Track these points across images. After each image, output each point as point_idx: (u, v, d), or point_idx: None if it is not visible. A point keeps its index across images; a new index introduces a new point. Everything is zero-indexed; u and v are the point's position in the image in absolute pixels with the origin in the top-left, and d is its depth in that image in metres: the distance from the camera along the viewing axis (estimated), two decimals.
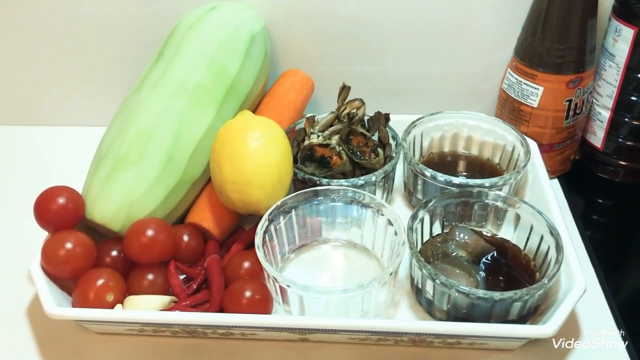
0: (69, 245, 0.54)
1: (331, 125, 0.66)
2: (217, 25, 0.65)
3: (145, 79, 0.63)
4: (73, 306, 0.53)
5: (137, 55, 0.74)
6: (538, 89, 0.66)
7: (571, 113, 0.67)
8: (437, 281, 0.51)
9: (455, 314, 0.52)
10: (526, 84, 0.67)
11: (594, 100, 0.69)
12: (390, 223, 0.57)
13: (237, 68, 0.64)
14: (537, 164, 0.65)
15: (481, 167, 0.69)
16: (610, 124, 0.68)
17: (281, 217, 0.58)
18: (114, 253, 0.57)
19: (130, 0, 0.73)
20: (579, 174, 0.73)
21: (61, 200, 0.56)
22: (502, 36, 0.72)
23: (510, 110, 0.69)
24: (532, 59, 0.65)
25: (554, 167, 0.70)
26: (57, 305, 0.51)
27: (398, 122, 0.68)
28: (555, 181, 0.71)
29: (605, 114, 0.68)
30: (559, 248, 0.53)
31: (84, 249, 0.55)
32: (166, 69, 0.62)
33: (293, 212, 0.59)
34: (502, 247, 0.58)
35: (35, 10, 0.74)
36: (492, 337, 0.50)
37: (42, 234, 0.57)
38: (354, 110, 0.66)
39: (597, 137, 0.70)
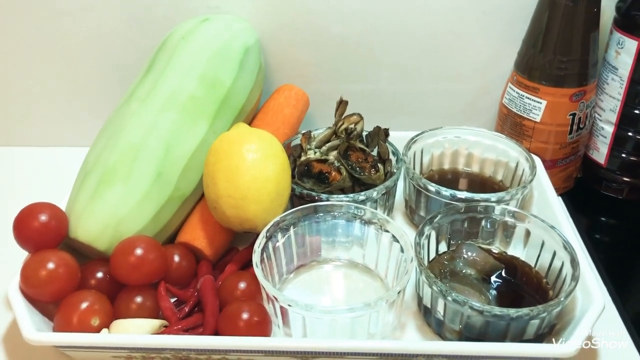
0: (50, 266, 0.50)
1: (328, 141, 0.63)
2: (210, 36, 0.62)
3: (134, 91, 0.60)
4: (54, 331, 0.49)
5: (122, 75, 0.71)
6: (541, 103, 0.64)
7: (575, 127, 0.65)
8: (449, 298, 0.48)
9: (468, 334, 0.49)
10: (528, 98, 0.65)
11: (597, 115, 0.67)
12: (395, 239, 0.54)
13: (232, 79, 0.61)
14: (542, 180, 0.63)
15: (482, 185, 0.66)
16: (614, 139, 0.66)
17: (279, 235, 0.55)
18: (100, 274, 0.53)
19: (115, 19, 0.70)
20: (582, 192, 0.71)
21: (43, 218, 0.52)
22: (499, 52, 0.70)
23: (512, 126, 0.67)
24: (534, 72, 0.64)
25: (557, 185, 0.68)
26: (37, 330, 0.47)
27: (396, 139, 0.65)
28: (559, 199, 0.69)
29: (609, 129, 0.66)
30: (574, 264, 0.50)
31: (67, 269, 0.51)
32: (156, 81, 0.59)
33: (292, 229, 0.56)
34: (512, 264, 0.55)
35: (19, 28, 0.71)
36: (510, 358, 0.47)
37: (22, 254, 0.53)
38: (352, 125, 0.63)
39: (600, 153, 0.68)
